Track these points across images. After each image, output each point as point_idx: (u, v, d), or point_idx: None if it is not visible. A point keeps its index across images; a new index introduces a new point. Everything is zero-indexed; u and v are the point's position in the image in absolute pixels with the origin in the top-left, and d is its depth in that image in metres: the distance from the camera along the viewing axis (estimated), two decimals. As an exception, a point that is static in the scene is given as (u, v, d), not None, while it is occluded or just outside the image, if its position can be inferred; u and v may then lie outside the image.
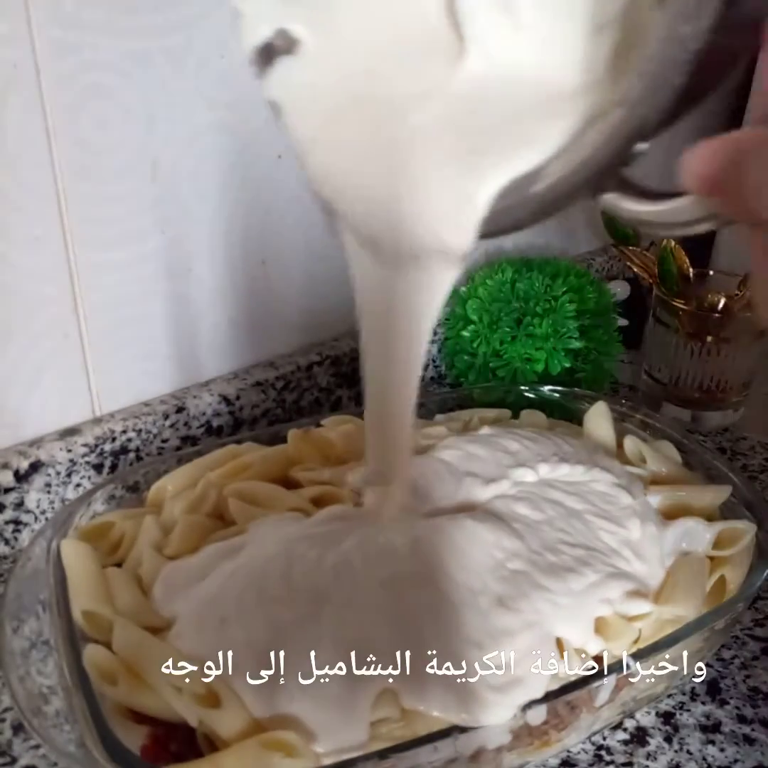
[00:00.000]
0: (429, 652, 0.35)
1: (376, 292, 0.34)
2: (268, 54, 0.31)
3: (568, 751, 0.41)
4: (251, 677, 0.34)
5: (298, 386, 0.64)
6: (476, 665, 0.35)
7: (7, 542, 0.52)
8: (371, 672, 0.34)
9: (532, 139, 0.27)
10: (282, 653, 0.35)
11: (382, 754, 0.32)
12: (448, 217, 0.29)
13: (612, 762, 0.41)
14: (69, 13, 0.46)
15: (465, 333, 0.66)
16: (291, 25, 0.30)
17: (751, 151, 0.22)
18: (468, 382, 0.67)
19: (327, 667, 0.35)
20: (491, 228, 0.28)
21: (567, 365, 0.64)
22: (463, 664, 0.35)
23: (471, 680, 0.35)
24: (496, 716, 0.34)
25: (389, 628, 0.36)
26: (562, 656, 0.37)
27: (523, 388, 0.60)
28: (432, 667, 0.35)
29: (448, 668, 0.35)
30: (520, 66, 0.27)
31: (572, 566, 0.41)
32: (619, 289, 0.81)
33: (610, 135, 0.24)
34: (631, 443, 0.53)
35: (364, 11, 0.30)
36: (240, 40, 0.31)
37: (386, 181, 0.30)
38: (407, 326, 0.35)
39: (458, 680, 0.35)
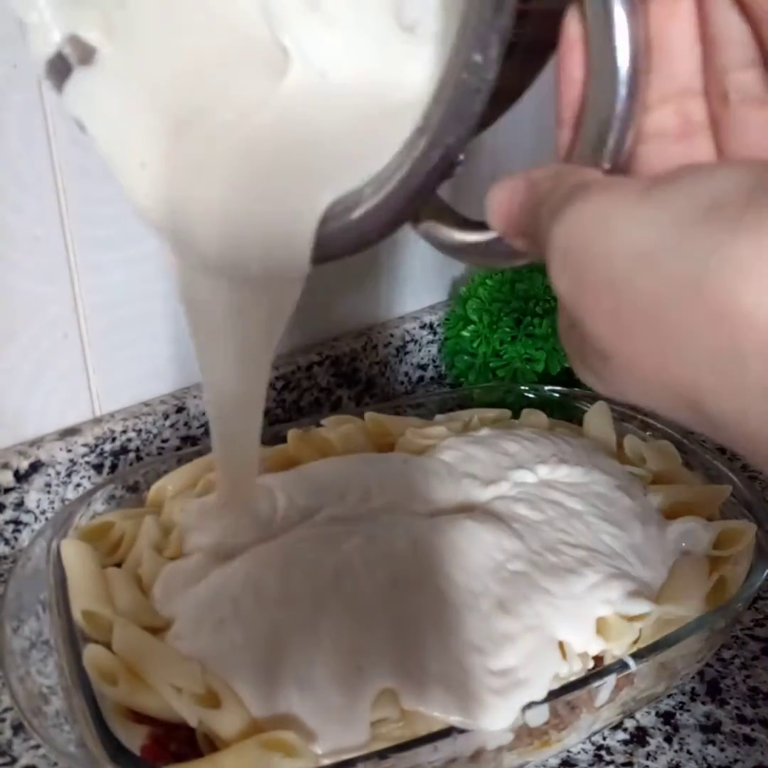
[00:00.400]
0: (430, 655, 0.35)
1: (207, 306, 0.33)
2: (62, 68, 0.28)
3: (568, 751, 0.41)
4: (250, 678, 0.34)
5: (298, 386, 0.64)
6: (477, 669, 0.35)
7: (7, 542, 0.52)
8: (371, 673, 0.35)
9: (366, 156, 0.25)
10: (281, 654, 0.35)
11: (382, 754, 0.32)
12: (281, 240, 0.27)
13: (612, 762, 0.41)
14: (69, 13, 0.46)
15: (465, 333, 0.66)
16: (84, 32, 0.27)
17: (546, 192, 0.20)
18: (468, 382, 0.67)
19: (326, 667, 0.35)
20: (318, 254, 0.27)
21: (567, 365, 0.64)
22: (464, 668, 0.35)
23: (472, 683, 0.35)
24: (498, 720, 0.34)
25: (389, 630, 0.36)
26: (563, 657, 0.37)
27: (523, 388, 0.60)
28: (432, 669, 0.35)
29: (448, 671, 0.35)
30: (343, 76, 0.26)
31: (573, 567, 0.41)
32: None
33: (418, 159, 0.23)
34: (631, 443, 0.53)
35: (163, 15, 0.27)
36: (30, 52, 0.28)
37: (216, 202, 0.27)
38: (247, 345, 0.32)
39: (459, 683, 0.35)
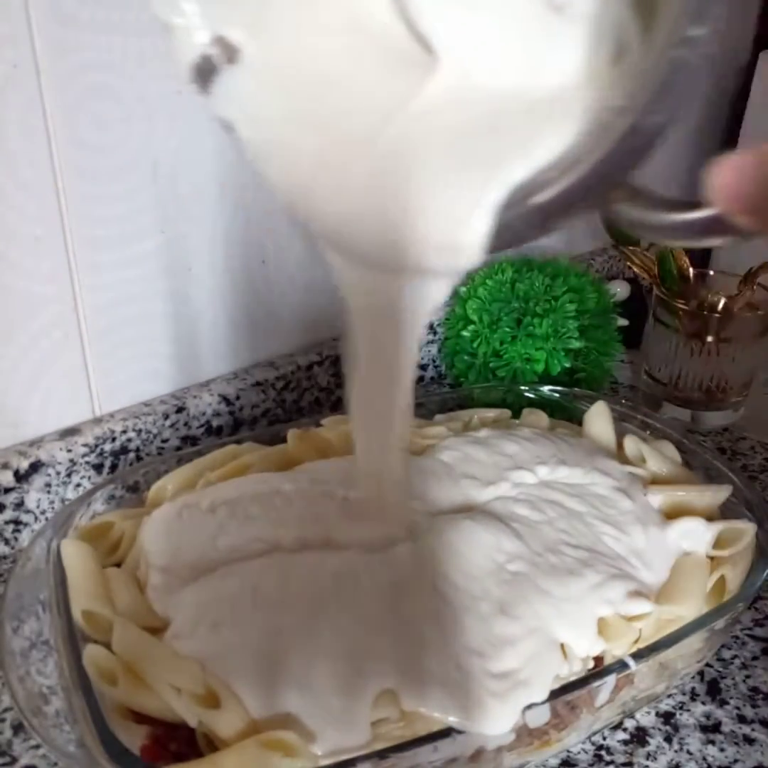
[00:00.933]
0: (430, 658, 0.35)
1: (363, 297, 0.33)
2: (207, 69, 0.29)
3: (568, 751, 0.41)
4: (250, 678, 0.34)
5: (298, 386, 0.64)
6: (478, 673, 0.35)
7: (7, 542, 0.52)
8: (371, 674, 0.34)
9: (526, 146, 0.25)
10: (281, 655, 0.35)
11: (382, 754, 0.32)
12: (449, 234, 0.27)
13: (612, 762, 0.41)
14: (69, 13, 0.46)
15: (465, 333, 0.66)
16: (228, 31, 0.28)
17: None
18: (468, 382, 0.67)
19: (326, 668, 0.35)
20: (496, 243, 0.26)
21: (567, 365, 0.64)
22: (465, 671, 0.35)
23: (473, 687, 0.34)
24: (499, 724, 0.34)
25: (390, 632, 0.36)
26: (564, 657, 0.37)
27: (523, 388, 0.60)
28: (433, 671, 0.35)
29: (449, 674, 0.35)
30: (499, 72, 0.26)
31: (574, 568, 0.41)
32: (619, 289, 0.81)
33: (617, 142, 0.23)
34: (631, 443, 0.53)
35: (302, 14, 0.27)
36: (175, 57, 0.29)
37: (372, 200, 0.28)
38: (398, 333, 0.33)
39: (460, 686, 0.35)
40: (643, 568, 0.42)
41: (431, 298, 0.32)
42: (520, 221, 0.26)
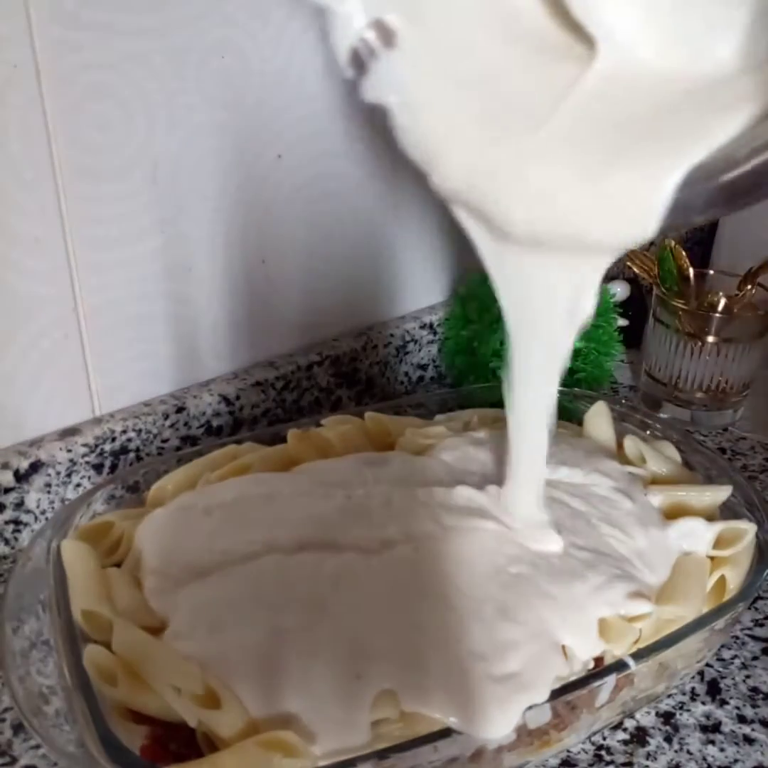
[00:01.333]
0: (431, 660, 0.35)
1: (516, 278, 0.34)
2: (364, 54, 0.30)
3: (568, 751, 0.41)
4: (250, 678, 0.34)
5: (298, 386, 0.64)
6: (480, 677, 0.35)
7: (7, 542, 0.52)
8: (371, 675, 0.34)
9: (704, 128, 0.26)
10: (281, 655, 0.35)
11: (382, 754, 0.32)
12: (625, 212, 0.28)
13: (612, 762, 0.41)
14: (69, 13, 0.46)
15: (465, 333, 0.66)
16: (386, 15, 0.29)
17: None
18: (468, 382, 0.67)
19: (326, 669, 0.35)
20: (671, 220, 0.27)
21: (567, 365, 0.64)
22: (467, 675, 0.35)
23: (474, 691, 0.34)
24: (500, 729, 0.34)
25: (390, 633, 0.36)
26: (565, 658, 0.37)
27: (523, 388, 0.60)
28: (434, 673, 0.35)
29: (450, 677, 0.35)
30: (652, 51, 0.27)
31: (577, 570, 0.40)
32: (619, 289, 0.81)
33: None
34: (631, 443, 0.53)
35: (455, 4, 0.28)
36: (333, 42, 0.30)
37: (540, 183, 0.29)
38: (554, 314, 0.34)
39: (461, 689, 0.34)
40: (645, 569, 0.42)
41: (588, 278, 0.32)
42: (701, 199, 0.26)
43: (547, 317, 0.35)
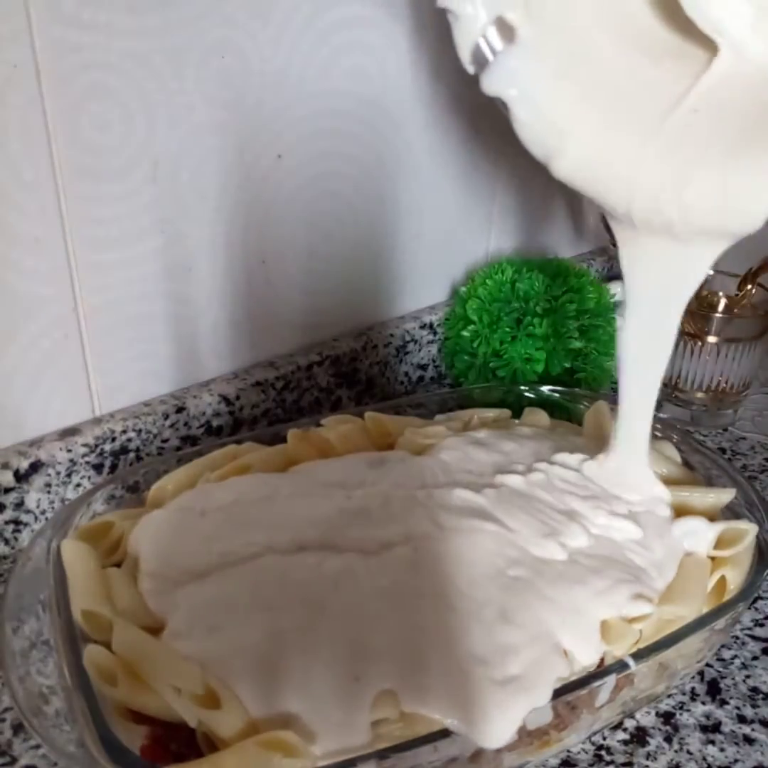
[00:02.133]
0: (431, 662, 0.35)
1: (643, 263, 0.37)
2: (483, 53, 0.31)
3: (568, 751, 0.41)
4: (250, 678, 0.34)
5: (298, 386, 0.64)
6: (481, 680, 0.35)
7: (7, 542, 0.52)
8: (370, 676, 0.34)
9: None
10: (280, 656, 0.35)
11: (382, 754, 0.32)
12: (747, 198, 0.30)
13: (612, 762, 0.41)
14: (69, 13, 0.46)
15: (465, 333, 0.67)
16: (507, 13, 0.30)
17: None
18: (468, 382, 0.67)
19: (325, 670, 0.35)
20: None
21: (567, 365, 0.64)
22: (467, 678, 0.35)
23: (475, 695, 0.34)
24: (500, 736, 0.34)
25: (390, 634, 0.36)
26: (566, 660, 0.37)
27: (523, 388, 0.60)
28: (434, 675, 0.35)
29: (450, 680, 0.35)
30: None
31: (582, 576, 0.40)
32: (619, 289, 0.81)
33: None
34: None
35: (576, 4, 0.30)
36: (456, 42, 0.31)
37: (661, 178, 0.31)
38: (668, 291, 0.38)
39: (461, 692, 0.34)
40: (659, 578, 0.42)
41: (701, 262, 0.35)
42: None
43: (661, 290, 0.38)
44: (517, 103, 0.32)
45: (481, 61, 0.31)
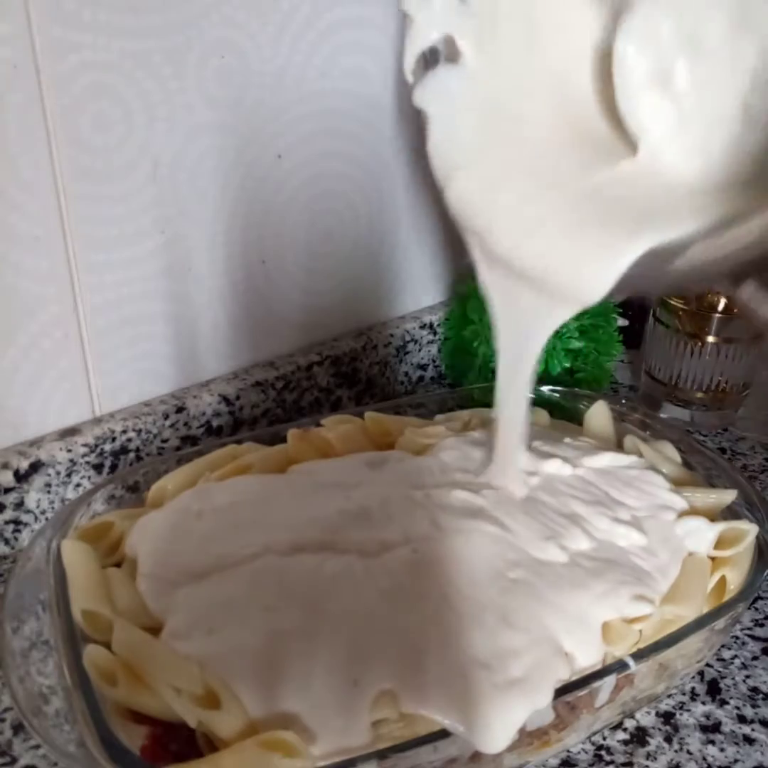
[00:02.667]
0: (431, 664, 0.35)
1: (500, 295, 0.40)
2: (431, 60, 0.32)
3: (568, 751, 0.41)
4: (249, 678, 0.34)
5: (298, 386, 0.64)
6: (481, 684, 0.35)
7: (7, 542, 0.52)
8: (370, 677, 0.34)
9: (671, 220, 0.28)
10: (280, 656, 0.35)
11: (382, 754, 0.32)
12: (589, 270, 0.31)
13: (612, 762, 0.41)
14: (69, 13, 0.46)
15: (465, 333, 0.66)
16: (459, 38, 0.31)
17: None
18: (468, 382, 0.67)
19: (325, 670, 0.35)
20: (619, 289, 0.30)
21: (567, 365, 0.64)
22: (468, 682, 0.35)
23: (475, 699, 0.34)
24: (500, 741, 0.34)
25: (389, 635, 0.36)
26: (567, 662, 0.37)
27: (523, 388, 0.60)
28: (434, 678, 0.35)
29: (451, 683, 0.35)
30: (679, 158, 0.30)
31: (584, 580, 0.40)
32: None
33: (758, 236, 0.24)
34: (630, 443, 0.53)
35: (521, 60, 0.31)
36: (405, 46, 0.32)
37: (541, 233, 0.32)
38: (519, 340, 0.40)
39: (461, 696, 0.34)
40: (662, 579, 0.42)
41: (553, 317, 0.37)
42: (649, 277, 0.29)
43: (514, 331, 0.41)
44: (435, 121, 0.33)
45: (420, 72, 0.32)
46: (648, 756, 0.41)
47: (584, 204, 0.32)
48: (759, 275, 0.26)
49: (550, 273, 0.33)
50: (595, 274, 0.31)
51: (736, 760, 0.41)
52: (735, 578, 0.43)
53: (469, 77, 0.32)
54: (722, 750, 0.42)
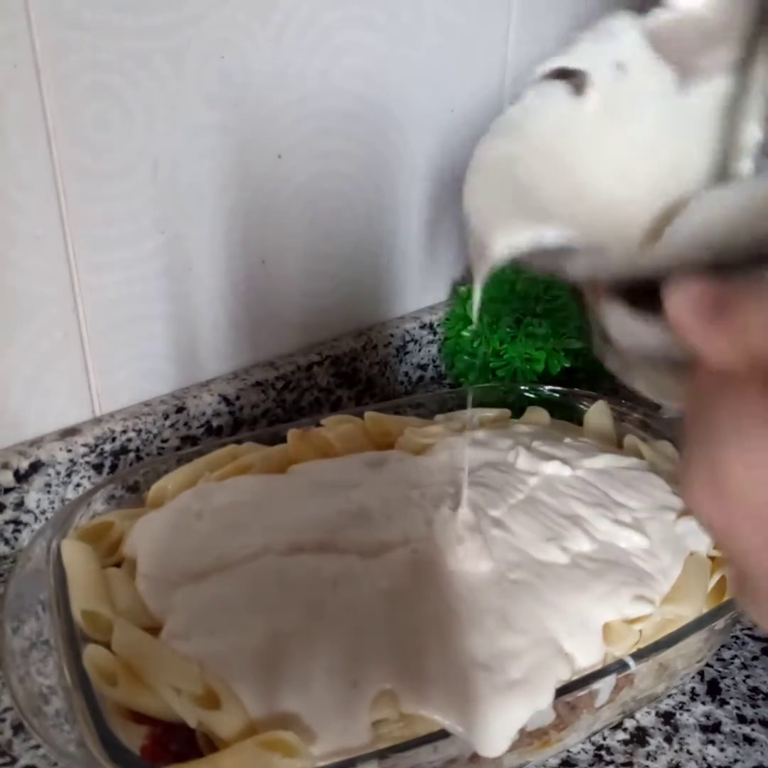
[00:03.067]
0: (431, 665, 0.35)
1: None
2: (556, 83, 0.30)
3: (568, 751, 0.41)
4: (249, 679, 0.34)
5: (298, 386, 0.64)
6: (482, 686, 0.35)
7: (7, 542, 0.52)
8: (369, 677, 0.34)
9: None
10: (280, 657, 0.35)
11: (382, 754, 0.32)
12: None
13: (612, 762, 0.41)
14: (69, 13, 0.46)
15: (465, 333, 0.66)
16: (591, 85, 0.30)
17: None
18: (468, 382, 0.67)
19: (325, 671, 0.35)
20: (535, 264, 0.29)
21: (567, 365, 0.64)
22: (468, 683, 0.35)
23: (475, 701, 0.34)
24: (499, 744, 0.34)
25: (389, 635, 0.36)
26: (567, 664, 0.37)
27: (523, 388, 0.60)
28: (434, 678, 0.35)
29: (451, 685, 0.35)
30: None
31: (582, 579, 0.40)
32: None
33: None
34: (631, 443, 0.53)
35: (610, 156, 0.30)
36: (556, 53, 0.31)
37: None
38: None
39: (461, 697, 0.34)
40: (664, 580, 0.42)
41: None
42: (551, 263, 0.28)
43: None
44: (492, 134, 0.31)
45: (540, 79, 0.30)
46: (648, 756, 0.41)
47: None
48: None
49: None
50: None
51: (736, 760, 0.41)
52: (735, 578, 0.43)
53: (576, 115, 0.30)
54: (722, 750, 0.42)
